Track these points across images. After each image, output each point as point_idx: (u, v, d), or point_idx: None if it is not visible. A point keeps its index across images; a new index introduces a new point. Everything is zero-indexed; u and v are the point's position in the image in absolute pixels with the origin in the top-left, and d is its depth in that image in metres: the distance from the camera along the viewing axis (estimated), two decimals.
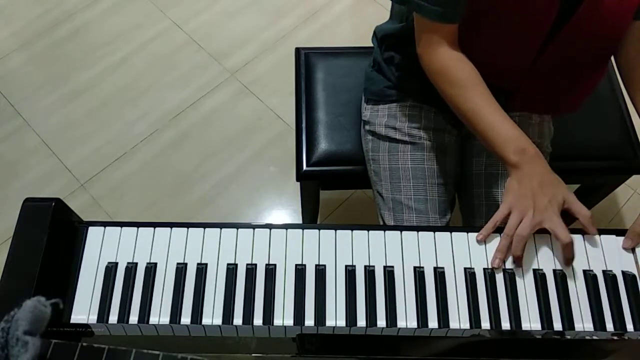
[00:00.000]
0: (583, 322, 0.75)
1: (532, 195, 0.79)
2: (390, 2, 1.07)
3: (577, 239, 0.81)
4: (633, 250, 0.81)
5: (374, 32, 1.12)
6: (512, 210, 0.80)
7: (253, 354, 0.64)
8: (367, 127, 1.11)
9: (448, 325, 0.75)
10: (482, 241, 0.80)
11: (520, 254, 0.78)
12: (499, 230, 0.81)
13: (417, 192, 1.01)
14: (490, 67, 0.89)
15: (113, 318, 0.74)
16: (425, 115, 1.04)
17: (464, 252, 0.80)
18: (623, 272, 0.79)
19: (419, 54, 0.91)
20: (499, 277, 0.78)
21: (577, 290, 0.78)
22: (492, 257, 0.79)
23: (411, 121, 1.04)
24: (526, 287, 0.78)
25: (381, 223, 1.07)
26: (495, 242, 0.81)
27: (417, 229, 0.82)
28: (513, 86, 0.97)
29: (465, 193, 1.08)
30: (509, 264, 0.79)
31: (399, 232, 0.82)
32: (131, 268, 0.77)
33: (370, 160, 1.09)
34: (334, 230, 0.81)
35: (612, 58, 0.93)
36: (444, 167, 1.04)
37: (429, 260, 0.79)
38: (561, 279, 0.78)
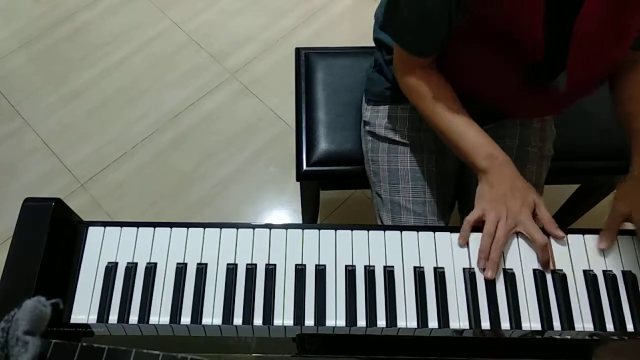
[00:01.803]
0: (583, 322, 0.75)
1: (505, 200, 0.81)
2: None
3: (578, 239, 0.81)
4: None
5: (374, 32, 1.12)
6: (486, 214, 0.81)
7: (253, 354, 0.64)
8: (367, 128, 1.11)
9: (448, 325, 0.75)
10: (464, 245, 0.81)
11: (498, 259, 0.78)
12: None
13: (416, 194, 1.01)
14: (482, 94, 0.92)
15: (113, 318, 0.74)
16: None
17: (463, 252, 0.80)
18: (623, 272, 0.79)
19: (395, 75, 0.96)
20: (499, 277, 0.78)
21: (577, 290, 0.78)
22: (476, 259, 0.79)
23: (411, 123, 1.04)
24: (526, 287, 0.78)
25: (379, 224, 1.07)
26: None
27: (417, 229, 0.82)
28: (510, 110, 0.98)
29: (464, 195, 1.08)
30: (508, 264, 0.79)
31: (399, 232, 0.82)
32: (131, 268, 0.77)
33: (369, 161, 1.09)
34: (334, 230, 0.81)
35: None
36: (443, 169, 1.04)
37: (429, 260, 0.79)
38: (561, 279, 0.78)
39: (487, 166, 0.84)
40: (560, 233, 0.81)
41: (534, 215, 0.82)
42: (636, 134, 0.84)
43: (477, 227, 0.82)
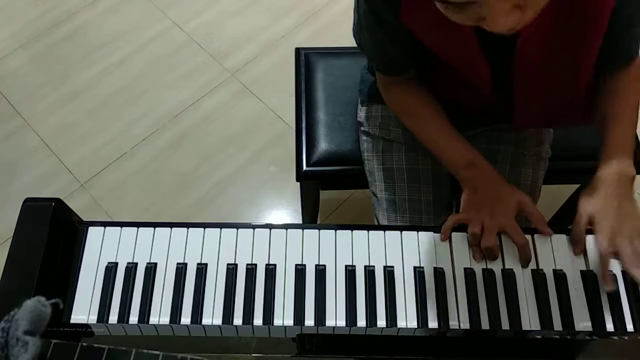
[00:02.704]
0: (583, 322, 0.75)
1: (488, 204, 0.83)
2: None
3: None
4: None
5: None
6: (471, 220, 0.82)
7: (253, 354, 0.65)
8: (362, 128, 1.11)
9: (448, 325, 0.75)
10: (445, 240, 0.82)
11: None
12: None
13: (412, 193, 1.01)
14: (459, 103, 0.95)
15: (113, 318, 0.74)
16: None
17: (464, 252, 0.80)
18: (623, 272, 0.79)
19: (379, 87, 0.99)
20: (499, 277, 0.78)
21: (577, 290, 0.78)
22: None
23: None
24: (526, 287, 0.78)
25: (375, 223, 1.07)
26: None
27: (417, 229, 0.82)
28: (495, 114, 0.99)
29: (460, 194, 1.07)
30: (508, 264, 0.80)
31: (399, 232, 0.82)
32: (131, 268, 0.77)
33: (365, 161, 1.10)
34: (334, 230, 0.81)
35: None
36: (438, 168, 1.04)
37: (429, 260, 0.79)
38: (561, 279, 0.78)
39: (469, 175, 0.86)
40: (547, 230, 0.82)
41: (522, 214, 0.83)
42: (607, 141, 0.86)
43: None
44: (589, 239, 0.81)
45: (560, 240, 0.82)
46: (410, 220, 1.00)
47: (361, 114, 1.12)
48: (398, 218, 1.01)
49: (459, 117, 0.94)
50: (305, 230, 0.81)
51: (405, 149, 1.04)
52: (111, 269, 0.77)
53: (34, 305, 0.58)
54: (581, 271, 0.79)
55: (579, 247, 0.81)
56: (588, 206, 0.82)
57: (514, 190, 0.86)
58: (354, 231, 0.81)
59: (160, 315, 0.75)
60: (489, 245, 0.79)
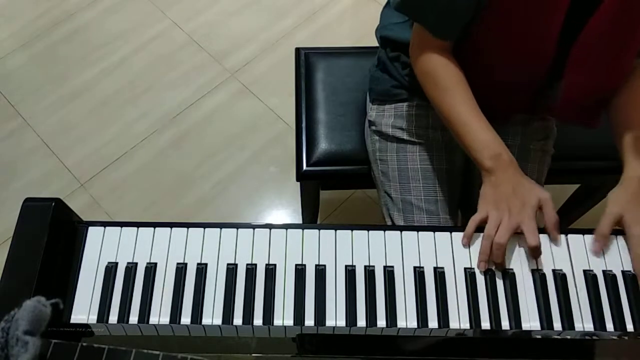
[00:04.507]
0: (583, 322, 0.75)
1: (507, 200, 0.81)
2: None
3: (578, 239, 0.81)
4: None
5: (377, 31, 1.11)
6: (490, 215, 0.81)
7: (253, 354, 0.64)
8: (373, 128, 1.10)
9: (448, 325, 0.75)
10: (467, 245, 0.81)
11: (501, 260, 0.79)
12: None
13: (428, 193, 1.01)
14: (493, 84, 0.92)
15: (113, 318, 0.74)
16: (432, 114, 1.04)
17: (464, 252, 0.80)
18: (623, 272, 0.79)
19: (411, 55, 0.94)
20: (499, 277, 0.78)
21: (577, 290, 0.78)
22: (477, 260, 0.80)
23: (418, 121, 1.04)
24: (526, 287, 0.78)
25: (389, 224, 1.06)
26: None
27: (417, 228, 0.82)
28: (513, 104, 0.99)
29: (467, 192, 1.08)
30: (508, 264, 0.79)
31: (399, 232, 0.82)
32: (131, 268, 0.77)
33: (377, 161, 1.09)
34: (334, 230, 0.81)
35: None
36: (452, 166, 1.04)
37: (429, 260, 0.79)
38: (561, 279, 0.78)
39: (492, 166, 0.83)
40: (556, 236, 0.81)
41: (539, 210, 0.82)
42: (630, 141, 0.85)
43: (481, 227, 0.82)
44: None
45: (560, 240, 0.81)
46: (428, 220, 1.00)
47: (372, 113, 1.11)
48: (415, 218, 1.01)
49: (491, 101, 0.92)
50: (305, 230, 0.81)
51: (420, 148, 1.03)
52: (111, 269, 0.77)
53: (34, 305, 0.58)
54: (583, 271, 0.79)
55: (600, 246, 0.80)
56: (616, 207, 0.81)
57: (536, 187, 0.83)
58: (354, 231, 0.81)
59: (160, 315, 0.75)
60: (500, 242, 0.78)
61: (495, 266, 0.79)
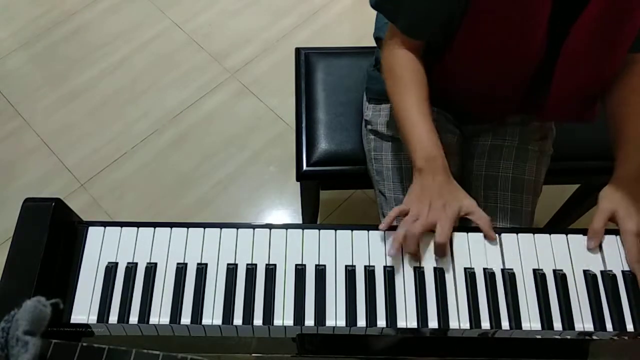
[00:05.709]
0: (583, 322, 0.75)
1: (430, 198, 0.83)
2: None
3: (578, 239, 0.81)
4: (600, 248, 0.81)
5: (375, 31, 1.11)
6: (411, 208, 0.83)
7: (253, 354, 0.64)
8: (369, 127, 1.10)
9: (448, 325, 0.75)
10: (384, 229, 0.81)
11: (413, 249, 0.79)
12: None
13: None
14: (487, 95, 0.93)
15: (113, 318, 0.74)
16: None
17: (464, 252, 0.80)
18: (623, 272, 0.79)
19: (381, 49, 0.97)
20: (499, 277, 0.78)
21: (577, 290, 0.78)
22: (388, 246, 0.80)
23: None
24: (526, 287, 0.78)
25: None
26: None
27: None
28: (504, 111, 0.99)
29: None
30: (508, 264, 0.80)
31: None
32: (131, 268, 0.77)
33: (372, 160, 1.09)
34: (334, 230, 0.81)
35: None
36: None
37: (429, 260, 0.79)
38: (561, 279, 0.78)
39: (424, 167, 0.85)
40: (492, 235, 0.81)
41: (467, 219, 0.84)
42: (626, 139, 0.85)
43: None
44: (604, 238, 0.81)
45: (560, 240, 0.81)
46: None
47: (368, 112, 1.11)
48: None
49: (481, 105, 0.92)
50: (305, 230, 0.81)
51: None
52: (111, 269, 0.77)
53: (34, 305, 0.58)
54: (584, 271, 0.79)
55: (594, 242, 0.81)
56: (609, 203, 0.82)
57: (462, 194, 0.85)
58: (354, 231, 0.81)
59: (160, 315, 0.75)
60: (413, 232, 0.79)
61: (409, 256, 0.79)
